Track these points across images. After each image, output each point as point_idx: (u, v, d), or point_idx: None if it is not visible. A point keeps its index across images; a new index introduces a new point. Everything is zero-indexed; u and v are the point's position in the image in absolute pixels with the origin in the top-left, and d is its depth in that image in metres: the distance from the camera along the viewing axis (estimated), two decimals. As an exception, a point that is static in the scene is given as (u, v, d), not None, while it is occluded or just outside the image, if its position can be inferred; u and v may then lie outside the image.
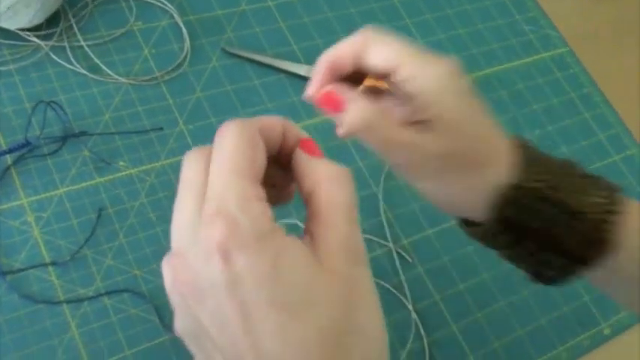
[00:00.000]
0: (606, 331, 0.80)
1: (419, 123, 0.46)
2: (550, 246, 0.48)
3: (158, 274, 0.69)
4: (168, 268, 0.35)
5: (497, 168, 0.48)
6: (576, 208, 0.46)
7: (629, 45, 1.04)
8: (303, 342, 0.33)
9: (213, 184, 0.35)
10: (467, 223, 0.52)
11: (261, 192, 0.35)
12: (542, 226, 0.47)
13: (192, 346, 0.36)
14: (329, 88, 0.47)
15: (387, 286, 0.75)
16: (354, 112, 0.45)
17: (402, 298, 0.75)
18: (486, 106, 0.48)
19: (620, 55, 1.03)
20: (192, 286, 0.34)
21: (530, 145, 0.50)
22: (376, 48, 0.47)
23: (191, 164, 0.37)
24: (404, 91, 0.46)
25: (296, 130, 0.40)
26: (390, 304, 0.74)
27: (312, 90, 0.48)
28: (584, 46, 1.00)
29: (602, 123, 0.95)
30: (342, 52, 0.48)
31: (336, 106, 0.46)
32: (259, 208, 0.34)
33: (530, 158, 0.48)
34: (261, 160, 0.36)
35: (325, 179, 0.37)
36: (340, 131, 0.46)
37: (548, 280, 0.50)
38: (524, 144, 0.50)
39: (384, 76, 0.47)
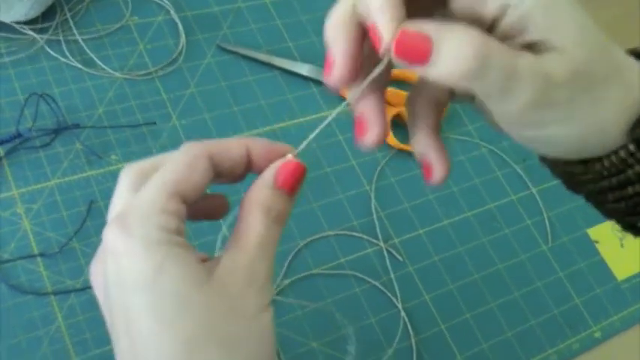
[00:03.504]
0: (597, 335, 0.79)
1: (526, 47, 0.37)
2: None
3: (146, 268, 0.69)
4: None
5: (631, 80, 0.39)
6: None
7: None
8: (171, 352, 0.34)
9: (141, 190, 0.37)
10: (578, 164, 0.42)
11: (175, 207, 0.37)
12: None
13: None
14: (407, 26, 0.36)
15: (377, 284, 0.75)
16: (458, 48, 0.35)
17: (391, 296, 0.75)
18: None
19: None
20: (94, 278, 0.39)
21: None
22: None
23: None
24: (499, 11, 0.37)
25: (277, 150, 0.41)
26: (379, 302, 0.74)
27: (384, 32, 0.36)
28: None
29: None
30: None
31: (423, 50, 0.35)
32: (160, 219, 0.36)
33: None
34: (196, 179, 0.38)
35: (255, 205, 0.39)
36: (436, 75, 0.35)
37: None
38: None
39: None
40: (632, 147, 0.39)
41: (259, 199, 0.39)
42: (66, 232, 0.69)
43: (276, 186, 0.39)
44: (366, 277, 0.75)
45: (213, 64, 0.83)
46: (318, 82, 0.86)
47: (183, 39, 0.83)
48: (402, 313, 0.74)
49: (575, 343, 0.78)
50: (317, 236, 0.76)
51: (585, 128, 0.38)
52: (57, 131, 0.73)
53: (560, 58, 0.36)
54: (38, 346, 0.64)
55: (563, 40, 0.36)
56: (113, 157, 0.74)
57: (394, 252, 0.77)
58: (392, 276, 0.76)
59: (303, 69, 0.86)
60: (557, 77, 0.36)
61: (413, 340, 0.73)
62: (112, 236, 0.36)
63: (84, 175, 0.72)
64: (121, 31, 0.82)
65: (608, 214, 0.44)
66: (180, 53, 0.82)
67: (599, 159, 0.40)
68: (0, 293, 0.65)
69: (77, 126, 0.73)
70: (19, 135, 0.70)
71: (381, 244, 0.78)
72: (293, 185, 0.39)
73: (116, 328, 0.36)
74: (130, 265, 0.35)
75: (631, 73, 0.39)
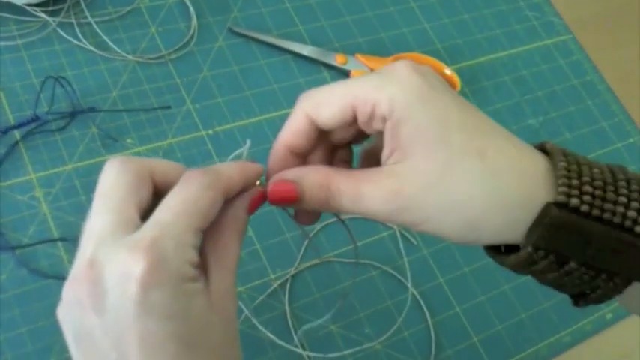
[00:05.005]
0: (608, 316, 0.80)
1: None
2: (598, 268, 0.41)
3: (166, 252, 0.69)
4: (81, 274, 0.38)
5: (531, 182, 0.41)
6: (626, 225, 0.40)
7: (632, 32, 1.05)
8: None
9: (161, 216, 0.39)
10: (497, 252, 0.45)
11: (198, 240, 0.40)
12: (588, 248, 0.40)
13: (71, 344, 0.41)
14: (276, 178, 0.45)
15: (389, 269, 0.75)
16: (311, 185, 0.44)
17: (406, 280, 0.75)
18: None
19: (622, 42, 1.03)
20: (96, 298, 0.38)
21: (565, 151, 0.42)
22: (322, 108, 0.43)
23: (112, 175, 0.41)
24: (375, 128, 0.43)
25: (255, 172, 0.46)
26: (394, 285, 0.75)
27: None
28: (587, 34, 1.01)
29: (605, 110, 0.96)
30: (290, 133, 0.45)
31: (289, 193, 0.44)
32: (189, 255, 0.39)
33: (569, 169, 0.41)
34: (213, 215, 0.41)
35: (234, 229, 0.43)
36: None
37: (590, 302, 0.44)
38: (556, 150, 0.43)
39: (349, 130, 0.45)
40: (530, 249, 0.41)
41: (237, 224, 0.43)
42: (85, 216, 0.68)
43: (248, 213, 0.44)
44: (379, 263, 0.75)
45: (225, 47, 0.83)
46: (328, 66, 0.86)
47: (194, 22, 0.82)
48: (417, 296, 0.75)
49: (587, 324, 0.79)
50: (332, 220, 0.76)
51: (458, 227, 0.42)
52: (73, 115, 0.72)
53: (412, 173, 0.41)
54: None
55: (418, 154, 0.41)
56: (129, 140, 0.73)
57: (408, 235, 0.78)
58: (405, 259, 0.76)
59: (313, 52, 0.86)
60: (405, 191, 0.41)
61: (430, 322, 0.73)
62: (142, 266, 0.37)
63: (100, 159, 0.72)
64: (133, 14, 0.81)
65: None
66: (191, 37, 0.82)
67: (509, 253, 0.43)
68: (21, 277, 0.64)
69: (93, 109, 0.73)
70: (36, 118, 0.69)
71: (395, 227, 0.78)
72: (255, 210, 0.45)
73: (120, 349, 0.37)
74: (161, 296, 0.37)
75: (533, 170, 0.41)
